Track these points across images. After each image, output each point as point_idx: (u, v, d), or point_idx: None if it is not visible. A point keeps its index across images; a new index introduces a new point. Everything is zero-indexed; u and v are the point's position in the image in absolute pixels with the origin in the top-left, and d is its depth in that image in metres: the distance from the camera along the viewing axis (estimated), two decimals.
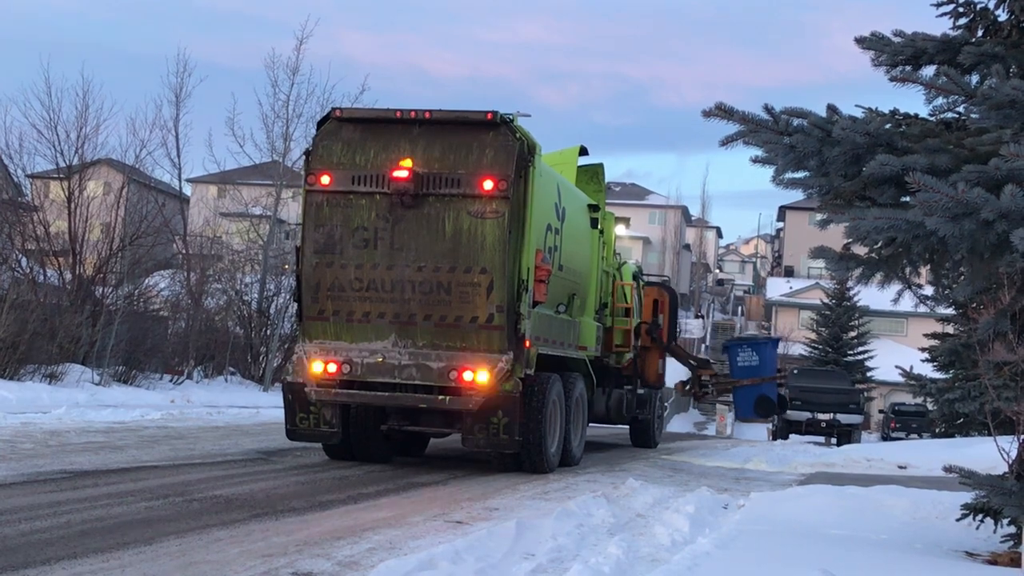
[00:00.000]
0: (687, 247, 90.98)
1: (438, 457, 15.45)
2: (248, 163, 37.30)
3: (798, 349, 53.73)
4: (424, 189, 12.85)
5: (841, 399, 34.83)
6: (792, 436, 34.25)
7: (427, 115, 13.19)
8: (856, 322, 52.57)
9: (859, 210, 7.20)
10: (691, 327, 66.95)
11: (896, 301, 9.44)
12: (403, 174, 12.81)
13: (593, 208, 16.81)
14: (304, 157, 13.45)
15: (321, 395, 13.11)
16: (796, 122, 7.64)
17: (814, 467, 18.89)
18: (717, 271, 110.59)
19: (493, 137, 12.96)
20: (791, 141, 7.53)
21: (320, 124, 13.52)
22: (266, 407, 24.97)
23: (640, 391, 21.21)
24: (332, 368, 13.08)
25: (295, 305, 13.80)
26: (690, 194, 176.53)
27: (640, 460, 17.90)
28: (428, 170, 12.87)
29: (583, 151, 17.43)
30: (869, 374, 49.92)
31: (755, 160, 7.85)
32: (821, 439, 35.09)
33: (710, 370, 22.94)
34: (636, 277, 21.20)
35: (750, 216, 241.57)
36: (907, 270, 8.25)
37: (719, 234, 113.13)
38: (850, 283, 49.65)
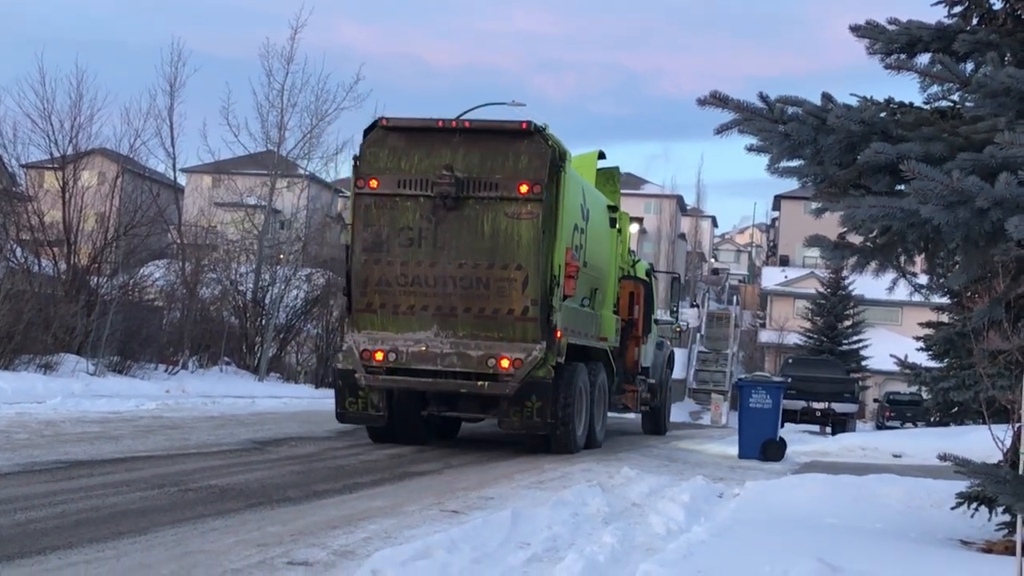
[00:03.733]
0: (682, 236, 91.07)
1: (444, 447, 15.46)
2: (243, 152, 37.15)
3: (793, 338, 53.75)
4: (464, 192, 14.23)
5: (836, 388, 34.82)
6: (787, 425, 34.19)
7: (467, 124, 14.89)
8: (851, 311, 52.54)
9: (854, 198, 7.19)
10: (686, 316, 67.01)
11: (891, 290, 9.44)
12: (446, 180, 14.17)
13: (612, 209, 18.46)
14: (353, 163, 14.66)
15: (370, 381, 14.36)
16: (791, 110, 7.62)
17: (809, 456, 18.90)
18: (712, 260, 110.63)
19: (527, 145, 14.37)
20: (786, 129, 7.52)
21: (367, 132, 14.80)
22: (261, 397, 24.98)
23: (651, 380, 22.18)
24: (379, 356, 14.40)
25: (343, 298, 15.43)
26: (685, 183, 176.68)
27: (636, 449, 17.92)
28: (468, 175, 14.26)
29: (601, 155, 18.94)
30: (864, 363, 49.92)
31: (750, 148, 7.83)
32: (816, 428, 35.10)
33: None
34: (649, 274, 22.51)
35: (745, 205, 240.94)
36: (902, 259, 8.22)
37: (714, 223, 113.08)
38: (845, 272, 49.64)
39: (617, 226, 18.67)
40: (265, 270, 34.92)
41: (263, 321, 33.93)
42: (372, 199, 14.48)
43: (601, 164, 19.17)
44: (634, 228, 20.88)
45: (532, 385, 14.13)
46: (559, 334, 14.46)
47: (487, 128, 14.71)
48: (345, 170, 40.03)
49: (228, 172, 40.49)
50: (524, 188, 14.15)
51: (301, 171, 38.38)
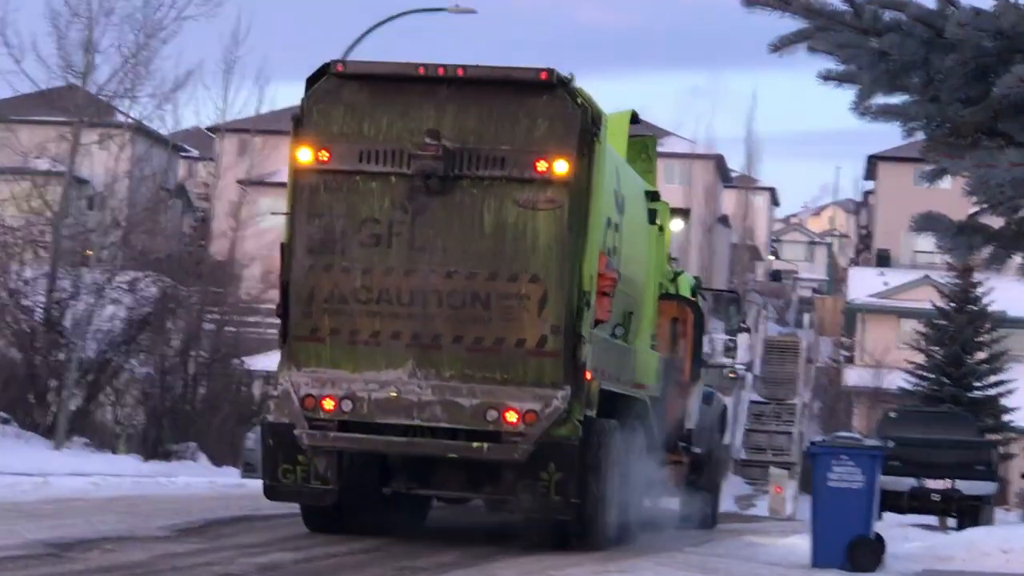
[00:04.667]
0: (723, 220, 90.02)
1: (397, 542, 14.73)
2: (29, 89, 35.34)
3: (897, 380, 52.76)
4: (456, 170, 13.99)
5: (963, 457, 33.97)
6: (887, 515, 33.25)
7: (459, 72, 14.39)
8: (986, 336, 51.32)
9: (987, 152, 7.09)
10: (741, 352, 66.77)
11: None
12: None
13: (651, 196, 18.29)
14: (292, 124, 14.66)
15: (316, 439, 14.16)
16: (888, 15, 7.54)
17: (921, 562, 18.24)
18: (771, 258, 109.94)
19: (547, 103, 14.16)
20: (881, 45, 7.37)
21: (311, 81, 14.62)
22: (59, 474, 23.98)
23: (696, 449, 22.21)
24: (329, 404, 14.18)
25: (279, 321, 14.96)
26: (728, 138, 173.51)
27: (650, 552, 17.17)
28: (461, 144, 14.03)
29: (635, 118, 18.80)
30: (1006, 418, 49.26)
31: (826, 76, 7.76)
32: (933, 519, 34.43)
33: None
34: (695, 292, 22.87)
35: (822, 172, 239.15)
36: None
37: (774, 200, 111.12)
38: (978, 273, 49.08)
39: (658, 221, 18.61)
40: (63, 274, 33.68)
41: (62, 355, 32.82)
42: (320, 178, 14.37)
43: (633, 131, 19.06)
44: (677, 225, 20.60)
45: (551, 449, 13.91)
46: (589, 375, 14.27)
47: (489, 78, 14.51)
48: (190, 117, 39.14)
49: (5, 119, 38.81)
50: (543, 166, 13.96)
51: (121, 117, 37.26)
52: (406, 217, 14.05)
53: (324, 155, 14.23)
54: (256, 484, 23.88)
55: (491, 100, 14.27)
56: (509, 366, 13.98)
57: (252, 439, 27.21)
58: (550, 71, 14.19)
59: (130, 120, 37.04)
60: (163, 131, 42.91)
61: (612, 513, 15.34)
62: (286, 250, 14.46)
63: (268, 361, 43.02)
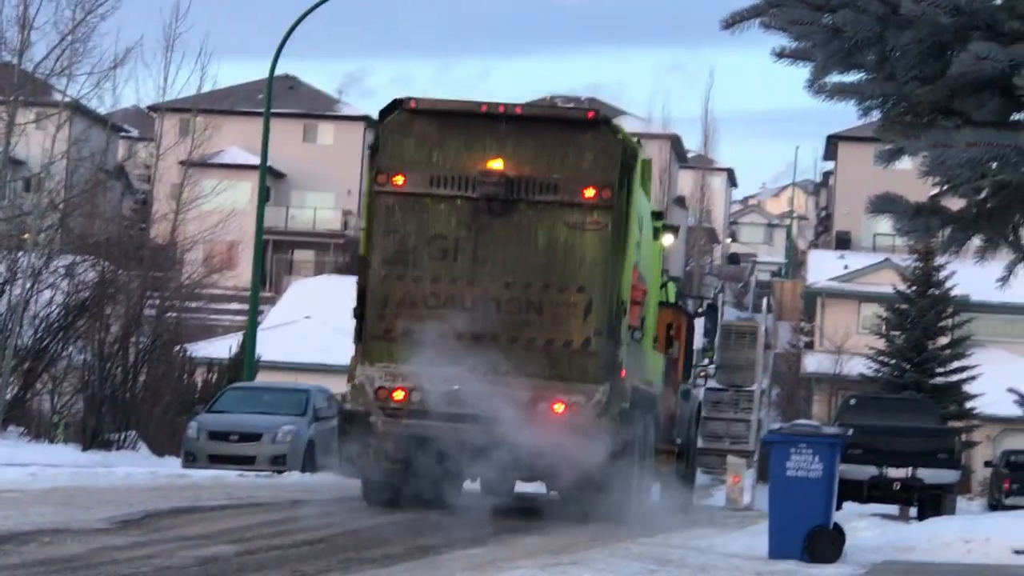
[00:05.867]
0: (680, 201, 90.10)
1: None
2: None
3: (858, 366, 52.73)
4: (514, 195, 17.02)
5: (925, 445, 33.95)
6: (847, 505, 33.22)
7: (518, 110, 18.00)
8: (949, 321, 51.52)
9: (943, 132, 7.12)
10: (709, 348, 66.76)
11: (1004, 283, 8.76)
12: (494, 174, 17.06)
13: (656, 216, 21.36)
14: (369, 152, 18.11)
15: (389, 426, 16.92)
16: None
17: (882, 553, 18.33)
18: (729, 240, 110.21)
19: (593, 138, 17.27)
20: (835, 21, 7.43)
21: (384, 114, 17.67)
22: None
23: (679, 440, 25.14)
24: (399, 395, 16.96)
25: (355, 322, 17.64)
26: (685, 117, 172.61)
27: (603, 543, 17.21)
28: (518, 173, 17.03)
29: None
30: (969, 404, 49.25)
31: (780, 54, 7.84)
32: (894, 509, 34.51)
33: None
34: (678, 297, 26.32)
35: (781, 152, 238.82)
36: (1021, 231, 8.05)
37: (731, 181, 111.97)
38: (941, 257, 48.64)
39: (660, 238, 21.62)
40: None
41: None
42: (396, 200, 17.19)
43: None
44: (668, 240, 24.64)
45: (592, 438, 16.42)
46: (624, 373, 17.15)
47: (543, 116, 18.66)
48: (130, 96, 38.86)
49: None
50: (590, 192, 16.86)
51: (58, 96, 37.05)
52: (470, 234, 16.97)
53: (400, 180, 17.07)
54: (198, 474, 23.84)
55: (544, 134, 17.27)
56: (557, 364, 16.92)
57: (194, 428, 27.05)
58: (596, 112, 17.90)
59: (67, 99, 36.73)
60: (102, 110, 42.75)
61: (635, 492, 18.32)
62: (363, 261, 17.46)
63: (211, 348, 42.85)
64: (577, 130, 17.33)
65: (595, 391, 16.68)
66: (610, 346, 16.90)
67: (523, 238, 16.93)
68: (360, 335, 17.29)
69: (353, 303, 17.77)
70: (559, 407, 16.66)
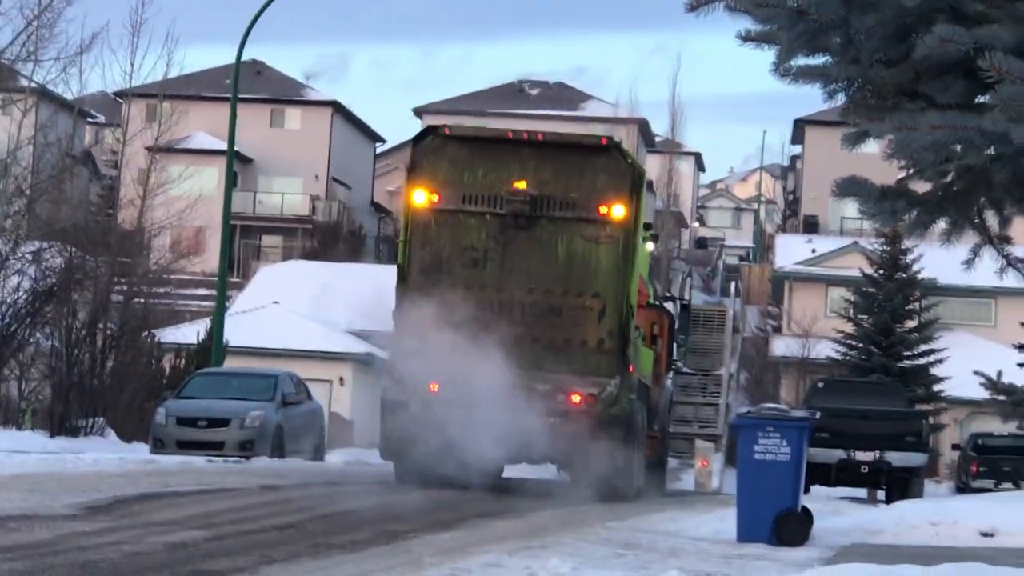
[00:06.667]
0: (648, 186, 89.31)
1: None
2: None
3: (825, 349, 52.76)
4: (537, 211, 19.37)
5: (893, 428, 33.99)
6: (815, 488, 33.28)
7: (540, 137, 20.61)
8: (917, 305, 51.61)
9: (908, 115, 7.10)
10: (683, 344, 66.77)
11: (969, 265, 8.80)
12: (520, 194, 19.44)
13: (646, 227, 22.84)
14: (406, 172, 20.54)
15: (426, 414, 18.79)
16: None
17: (850, 536, 18.40)
18: (696, 224, 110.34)
19: (605, 162, 19.75)
20: (800, 3, 7.39)
21: (418, 139, 20.43)
22: None
23: (655, 427, 26.97)
24: (434, 387, 18.95)
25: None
26: (652, 100, 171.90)
27: (573, 527, 17.23)
28: (541, 192, 19.37)
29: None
30: (937, 388, 49.34)
31: (745, 37, 7.79)
32: (862, 492, 34.58)
33: None
34: (659, 297, 28.97)
35: (749, 136, 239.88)
36: (986, 214, 8.08)
37: (699, 166, 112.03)
38: (908, 240, 48.59)
39: (648, 244, 24.09)
40: None
41: None
42: (432, 215, 19.51)
43: None
44: (650, 246, 27.69)
45: (604, 424, 19.03)
46: (631, 368, 19.58)
47: (562, 142, 20.80)
48: (96, 81, 38.70)
49: None
50: (604, 209, 19.26)
51: (24, 81, 37.07)
52: (498, 246, 19.33)
53: (435, 197, 19.36)
54: (166, 460, 23.73)
55: (563, 158, 19.77)
56: (575, 361, 19.22)
57: (162, 414, 26.93)
58: (609, 138, 20.55)
59: (34, 84, 36.61)
60: (68, 96, 42.41)
61: (642, 473, 21.12)
62: (402, 269, 19.84)
63: (179, 333, 42.59)
64: (592, 154, 19.87)
65: (607, 384, 19.03)
66: (620, 345, 19.24)
67: (545, 250, 19.34)
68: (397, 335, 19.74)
69: (392, 307, 19.88)
70: (576, 398, 19.02)
